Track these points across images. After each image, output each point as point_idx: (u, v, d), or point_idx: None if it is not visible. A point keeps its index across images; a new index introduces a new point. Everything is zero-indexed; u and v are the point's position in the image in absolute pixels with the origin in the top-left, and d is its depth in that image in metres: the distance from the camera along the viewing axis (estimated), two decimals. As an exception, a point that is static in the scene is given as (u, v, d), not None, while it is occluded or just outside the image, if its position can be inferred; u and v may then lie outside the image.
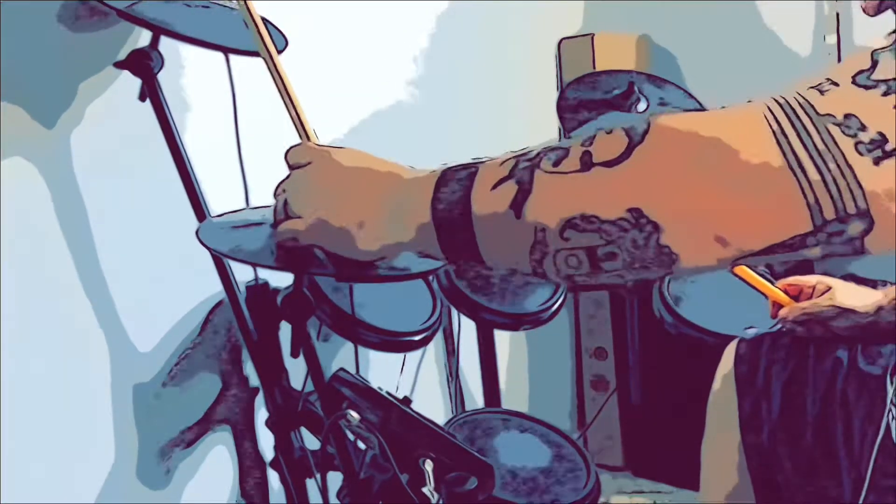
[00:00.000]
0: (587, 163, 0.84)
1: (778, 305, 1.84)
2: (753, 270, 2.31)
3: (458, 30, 2.80)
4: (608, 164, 0.82)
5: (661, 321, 2.33)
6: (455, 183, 0.94)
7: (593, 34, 3.10)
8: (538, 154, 0.90)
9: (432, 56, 2.72)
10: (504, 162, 0.92)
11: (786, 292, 1.86)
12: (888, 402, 1.54)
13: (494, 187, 0.90)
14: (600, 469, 1.99)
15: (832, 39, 3.03)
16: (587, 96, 2.59)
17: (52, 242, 1.90)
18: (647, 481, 3.08)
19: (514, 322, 2.38)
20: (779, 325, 1.85)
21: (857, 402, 1.63)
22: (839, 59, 3.04)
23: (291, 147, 1.14)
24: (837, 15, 3.02)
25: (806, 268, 2.94)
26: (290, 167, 1.13)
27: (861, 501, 1.54)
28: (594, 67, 3.01)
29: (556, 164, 0.86)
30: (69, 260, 1.92)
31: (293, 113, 1.24)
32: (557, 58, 3.13)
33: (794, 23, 3.10)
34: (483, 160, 0.96)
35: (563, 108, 2.58)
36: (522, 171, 0.90)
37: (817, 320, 1.76)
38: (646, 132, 0.81)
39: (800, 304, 1.80)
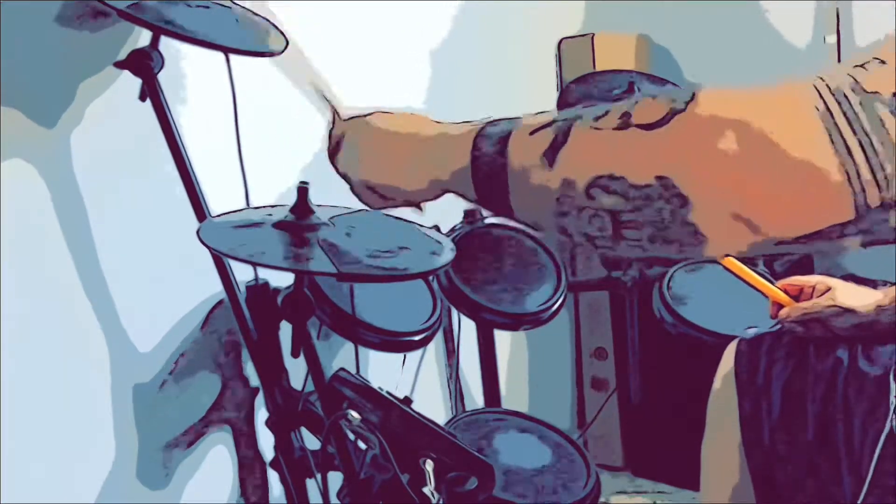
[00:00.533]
0: (625, 123, 0.81)
1: (778, 305, 1.84)
2: (752, 269, 2.31)
3: (458, 30, 2.79)
4: (645, 126, 0.79)
5: (661, 321, 2.33)
6: (498, 126, 0.95)
7: (593, 34, 3.10)
8: (582, 111, 0.88)
9: (432, 56, 2.72)
10: (548, 113, 0.91)
11: (786, 292, 1.86)
12: (891, 402, 1.54)
13: (533, 132, 0.89)
14: (600, 469, 1.99)
15: (832, 39, 3.03)
16: (587, 96, 2.59)
17: (52, 242, 1.90)
18: (647, 481, 3.08)
19: (514, 322, 2.38)
20: (779, 325, 1.85)
21: (858, 402, 1.63)
22: (839, 59, 3.04)
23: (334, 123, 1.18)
24: (837, 15, 3.02)
25: (806, 267, 2.94)
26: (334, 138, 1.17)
27: (861, 501, 1.54)
28: (594, 67, 3.01)
29: (595, 119, 0.85)
30: (69, 260, 1.92)
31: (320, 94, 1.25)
32: (557, 58, 3.13)
33: (794, 23, 3.10)
34: None
35: (563, 108, 2.58)
36: (562, 122, 0.88)
37: (817, 320, 1.75)
38: (689, 101, 0.79)
39: (800, 304, 1.80)
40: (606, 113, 0.84)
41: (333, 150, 1.19)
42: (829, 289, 1.78)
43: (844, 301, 1.75)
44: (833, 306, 1.74)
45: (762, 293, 1.89)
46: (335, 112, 1.22)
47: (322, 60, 2.40)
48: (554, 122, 0.88)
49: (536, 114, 0.94)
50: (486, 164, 0.92)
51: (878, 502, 1.53)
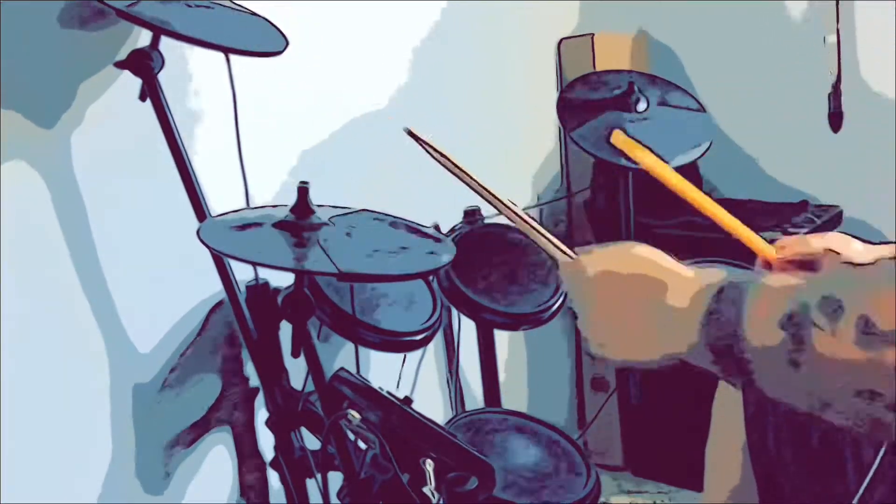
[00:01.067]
0: (866, 330, 0.83)
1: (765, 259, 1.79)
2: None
3: (458, 30, 2.79)
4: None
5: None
6: (725, 306, 0.96)
7: (593, 34, 3.10)
8: (807, 293, 0.89)
9: (432, 56, 2.71)
10: (778, 290, 0.93)
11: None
12: None
13: (765, 323, 0.91)
14: (600, 469, 1.99)
15: (832, 39, 3.03)
16: (587, 96, 2.59)
17: (52, 242, 1.90)
18: (647, 481, 3.08)
19: (514, 322, 2.38)
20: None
21: None
22: (839, 59, 3.04)
23: (562, 265, 1.18)
24: (837, 15, 3.02)
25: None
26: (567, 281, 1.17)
27: (858, 498, 1.53)
28: (594, 67, 3.01)
29: (829, 321, 0.86)
30: (69, 260, 1.92)
31: (543, 241, 1.23)
32: (557, 58, 3.13)
33: (793, 23, 3.09)
34: (744, 275, 0.98)
35: (563, 108, 2.58)
36: (795, 315, 0.89)
37: (807, 262, 1.70)
38: None
39: (793, 247, 1.74)
40: (837, 311, 0.85)
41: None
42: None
43: (838, 245, 1.71)
44: (825, 250, 1.70)
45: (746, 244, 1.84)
46: (553, 258, 1.22)
47: (321, 60, 2.41)
48: (784, 321, 0.89)
49: (761, 287, 0.96)
50: (723, 353, 0.95)
51: (881, 501, 1.52)
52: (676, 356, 1.03)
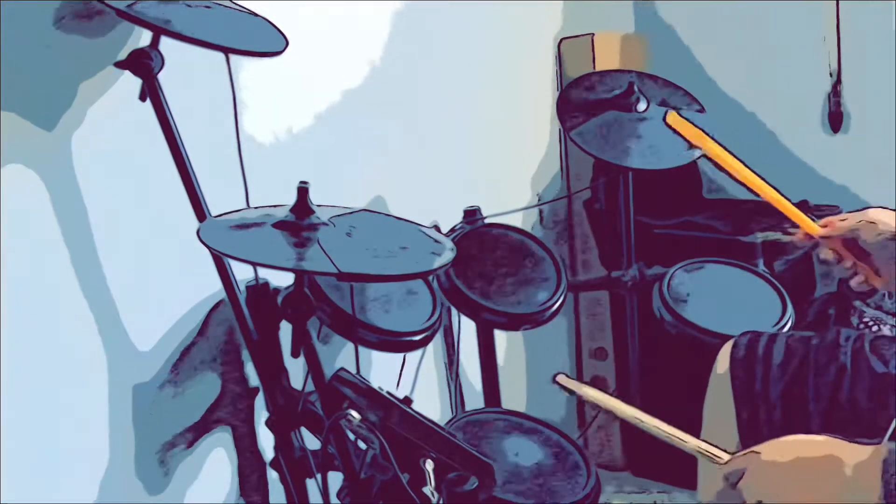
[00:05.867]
0: None
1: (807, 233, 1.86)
2: (753, 267, 2.31)
3: (458, 30, 2.80)
4: None
5: (661, 321, 2.33)
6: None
7: (593, 34, 3.10)
8: None
9: (432, 56, 2.72)
10: None
11: None
12: None
13: None
14: (600, 469, 1.99)
15: (832, 39, 3.03)
16: (587, 96, 2.59)
17: (52, 242, 1.90)
18: (648, 481, 3.08)
19: (514, 322, 2.38)
20: (787, 326, 1.82)
21: (872, 404, 1.63)
22: (839, 59, 3.04)
23: (718, 469, 1.29)
24: (837, 15, 3.02)
25: (807, 265, 2.94)
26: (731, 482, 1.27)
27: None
28: (594, 67, 3.01)
29: None
30: (69, 260, 1.92)
31: (692, 447, 1.37)
32: (557, 58, 3.13)
33: (793, 23, 3.10)
34: None
35: (563, 108, 2.58)
36: None
37: (851, 239, 1.77)
38: None
39: (832, 224, 1.81)
40: None
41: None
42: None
43: (875, 216, 1.76)
44: (863, 220, 1.76)
45: (793, 221, 1.90)
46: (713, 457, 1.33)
47: (322, 60, 2.41)
48: None
49: None
50: None
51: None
52: None
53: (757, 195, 1.97)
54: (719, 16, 3.19)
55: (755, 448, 1.25)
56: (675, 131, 2.04)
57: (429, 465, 1.68)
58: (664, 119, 2.02)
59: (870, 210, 1.80)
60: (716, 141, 2.03)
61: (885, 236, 1.73)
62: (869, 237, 1.75)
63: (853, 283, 1.79)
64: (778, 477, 1.19)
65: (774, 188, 1.96)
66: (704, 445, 1.35)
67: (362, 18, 2.49)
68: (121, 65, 1.88)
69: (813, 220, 1.88)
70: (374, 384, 1.84)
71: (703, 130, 2.01)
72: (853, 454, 1.13)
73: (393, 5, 2.58)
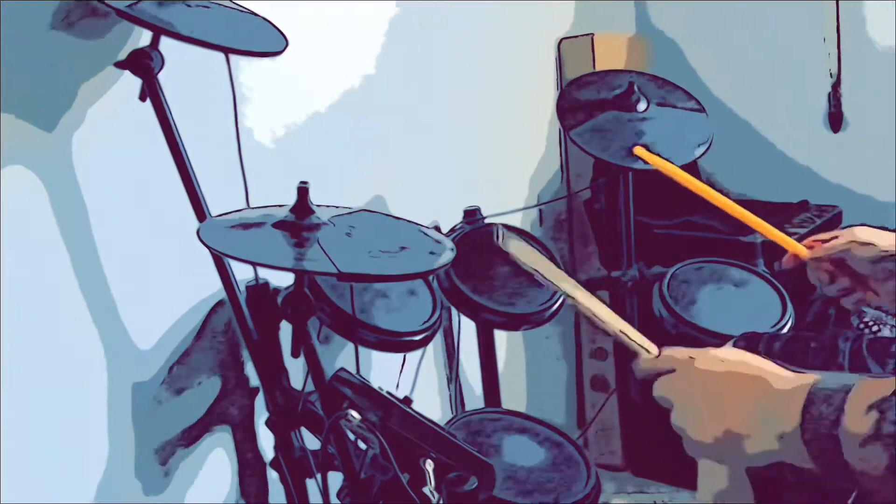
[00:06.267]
0: None
1: (794, 255, 1.82)
2: (753, 267, 2.31)
3: (458, 30, 2.80)
4: None
5: (661, 321, 2.33)
6: (825, 407, 1.02)
7: (593, 34, 3.10)
8: None
9: (432, 56, 2.72)
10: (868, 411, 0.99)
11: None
12: None
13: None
14: (600, 469, 1.99)
15: (832, 39, 3.03)
16: (587, 96, 2.59)
17: (52, 242, 1.90)
18: (648, 481, 3.08)
19: (514, 322, 2.38)
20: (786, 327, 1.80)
21: None
22: (839, 59, 3.04)
23: (643, 359, 1.24)
24: (837, 15, 3.02)
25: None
26: (649, 375, 1.23)
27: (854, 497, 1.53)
28: (594, 67, 3.01)
29: None
30: (69, 260, 1.92)
31: (625, 339, 1.29)
32: (557, 58, 3.13)
33: (793, 23, 3.10)
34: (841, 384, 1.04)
35: (563, 108, 2.58)
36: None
37: (840, 259, 1.73)
38: None
39: (821, 245, 1.78)
40: None
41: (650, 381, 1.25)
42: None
43: (863, 236, 1.72)
44: (852, 241, 1.72)
45: (779, 244, 1.87)
46: (641, 349, 1.27)
47: (321, 60, 2.41)
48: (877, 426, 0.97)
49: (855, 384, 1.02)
50: (821, 448, 1.01)
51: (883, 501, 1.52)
52: (775, 453, 1.07)
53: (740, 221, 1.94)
54: (719, 16, 3.19)
55: (691, 352, 1.20)
56: (645, 163, 2.01)
57: (429, 465, 1.68)
58: (631, 152, 1.99)
59: (855, 228, 1.77)
60: (689, 171, 2.00)
61: (876, 255, 1.71)
62: (860, 257, 1.73)
63: (845, 302, 1.76)
64: (702, 385, 1.16)
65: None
66: (632, 332, 1.29)
67: (362, 18, 2.49)
68: (121, 65, 1.88)
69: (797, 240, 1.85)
70: (374, 384, 1.84)
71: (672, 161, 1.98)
72: (782, 381, 1.10)
73: (393, 5, 2.58)
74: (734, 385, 1.13)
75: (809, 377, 1.07)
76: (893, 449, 0.95)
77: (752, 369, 1.13)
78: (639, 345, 1.27)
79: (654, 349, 1.26)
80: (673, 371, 1.20)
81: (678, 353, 1.21)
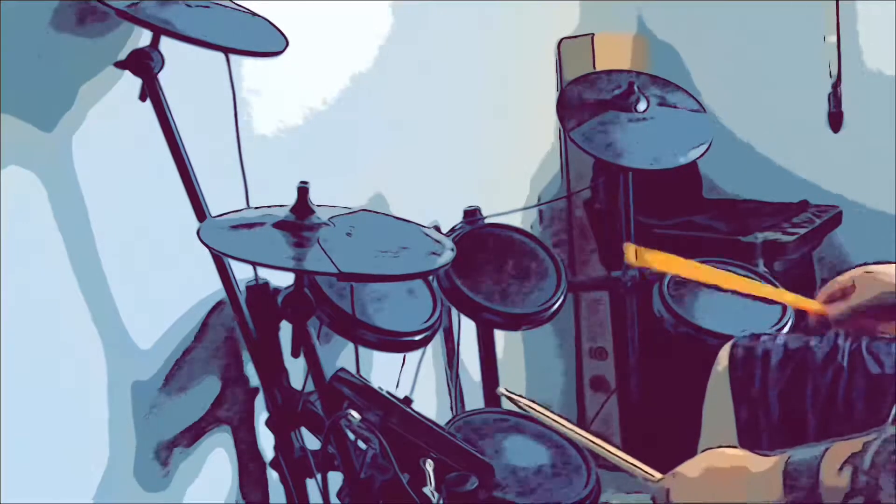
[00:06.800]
0: None
1: (817, 315, 1.79)
2: (754, 270, 2.30)
3: (458, 30, 2.79)
4: None
5: (661, 321, 2.33)
6: (804, 479, 1.20)
7: (593, 34, 3.10)
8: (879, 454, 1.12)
9: (431, 56, 2.71)
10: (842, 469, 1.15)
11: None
12: None
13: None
14: (600, 469, 1.98)
15: (832, 39, 3.03)
16: (587, 96, 2.59)
17: (52, 242, 1.90)
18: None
19: (514, 322, 2.38)
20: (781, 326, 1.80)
21: (866, 406, 1.62)
22: (839, 59, 3.04)
23: (651, 486, 1.45)
24: (837, 15, 3.02)
25: (806, 265, 2.94)
26: (661, 496, 1.42)
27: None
28: (594, 67, 3.01)
29: None
30: (69, 260, 1.92)
31: (626, 465, 1.50)
32: (557, 58, 3.13)
33: (794, 23, 3.10)
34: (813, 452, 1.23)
35: (563, 108, 2.58)
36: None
37: (863, 312, 1.71)
38: None
39: (841, 302, 1.75)
40: None
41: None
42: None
43: (875, 282, 1.69)
44: (872, 298, 1.69)
45: (799, 308, 1.86)
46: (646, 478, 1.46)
47: (321, 60, 2.41)
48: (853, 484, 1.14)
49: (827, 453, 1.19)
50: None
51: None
52: None
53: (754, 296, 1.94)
54: (719, 16, 3.18)
55: (677, 468, 1.39)
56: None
57: (429, 465, 1.68)
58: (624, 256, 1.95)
59: (860, 274, 1.73)
60: (692, 259, 1.97)
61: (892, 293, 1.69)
62: (879, 302, 1.70)
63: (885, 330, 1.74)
64: (694, 490, 1.35)
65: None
66: (641, 465, 1.47)
67: (362, 18, 2.49)
68: (121, 65, 1.88)
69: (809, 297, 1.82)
70: (374, 384, 1.84)
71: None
72: (758, 463, 1.29)
73: (393, 5, 2.58)
74: (719, 478, 1.33)
75: (782, 455, 1.25)
76: (873, 497, 1.07)
77: (728, 460, 1.35)
78: (646, 473, 1.46)
79: (656, 475, 1.44)
80: (668, 491, 1.39)
81: (668, 475, 1.41)
